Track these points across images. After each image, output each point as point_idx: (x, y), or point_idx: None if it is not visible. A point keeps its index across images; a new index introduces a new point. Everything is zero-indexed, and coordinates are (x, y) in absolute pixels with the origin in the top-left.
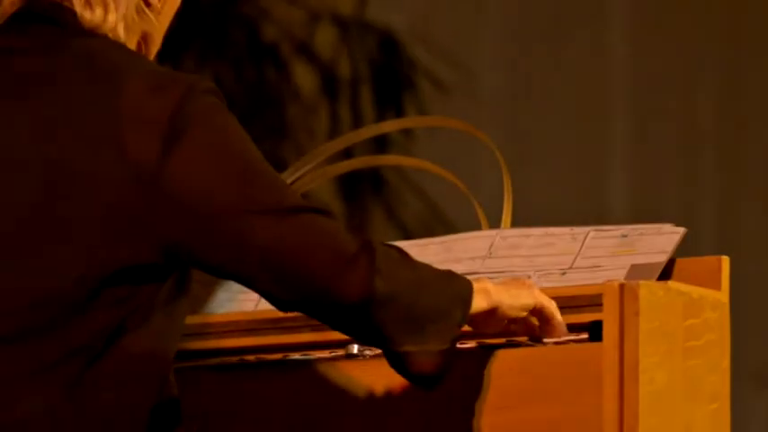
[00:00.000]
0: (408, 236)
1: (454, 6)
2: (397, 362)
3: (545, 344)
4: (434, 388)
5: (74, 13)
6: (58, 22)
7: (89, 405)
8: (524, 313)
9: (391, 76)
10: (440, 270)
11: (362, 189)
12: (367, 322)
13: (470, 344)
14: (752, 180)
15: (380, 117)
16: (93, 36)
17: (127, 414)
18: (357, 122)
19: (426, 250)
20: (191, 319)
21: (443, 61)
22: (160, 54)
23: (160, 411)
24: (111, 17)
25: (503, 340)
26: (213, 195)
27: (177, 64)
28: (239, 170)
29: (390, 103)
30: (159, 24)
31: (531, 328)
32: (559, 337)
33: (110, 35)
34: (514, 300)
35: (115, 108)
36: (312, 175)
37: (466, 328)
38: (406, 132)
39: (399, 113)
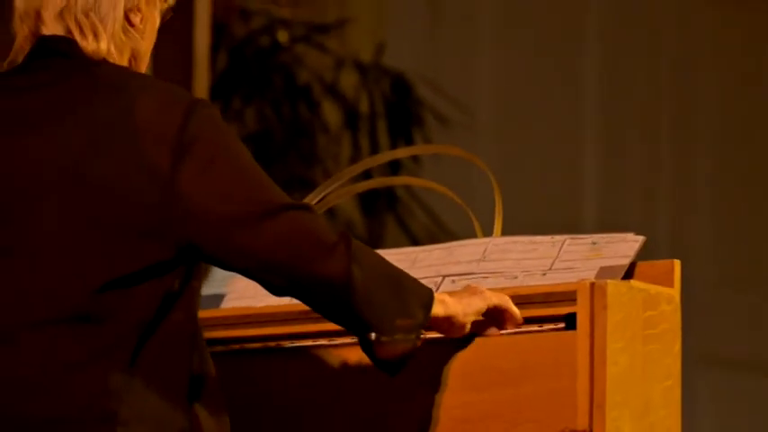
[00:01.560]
0: (416, 242)
1: (454, 55)
2: (368, 348)
3: (502, 334)
4: (396, 374)
5: (77, 44)
6: (67, 54)
7: (145, 375)
8: (479, 317)
9: (403, 112)
10: (405, 272)
11: (379, 205)
12: (344, 306)
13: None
14: (700, 198)
15: (393, 145)
16: (97, 62)
17: (171, 381)
18: (374, 150)
19: (431, 254)
20: (230, 311)
21: (445, 100)
22: (213, 94)
23: (198, 382)
24: (103, 41)
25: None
26: (215, 206)
27: (227, 103)
28: (237, 178)
29: (402, 134)
30: (144, 42)
31: (487, 327)
32: (515, 326)
33: (109, 59)
34: (468, 307)
35: (131, 125)
36: (337, 192)
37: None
38: (415, 158)
39: (409, 142)
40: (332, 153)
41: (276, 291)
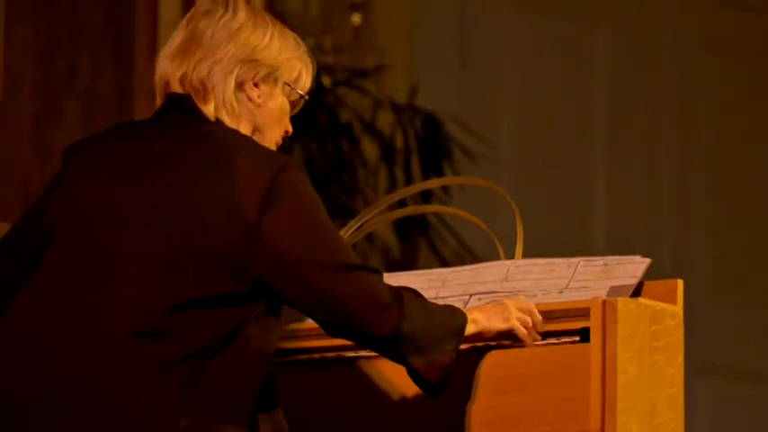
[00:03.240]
0: (446, 264)
1: (480, 97)
2: (413, 374)
3: (517, 345)
4: (438, 394)
5: (196, 104)
6: (188, 111)
7: (201, 397)
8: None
9: (434, 148)
10: (444, 307)
11: (412, 230)
12: (394, 349)
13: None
14: (698, 221)
15: (425, 177)
16: (211, 121)
17: (234, 401)
18: (408, 181)
19: (460, 275)
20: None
21: (472, 136)
22: None
23: (263, 399)
24: (211, 104)
25: (494, 343)
26: (293, 250)
27: None
28: (313, 233)
29: (433, 167)
30: (262, 117)
31: (511, 339)
32: (529, 345)
33: (222, 120)
34: (491, 326)
35: (231, 177)
36: (375, 219)
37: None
38: (445, 188)
39: (439, 174)
40: (370, 184)
41: (332, 332)
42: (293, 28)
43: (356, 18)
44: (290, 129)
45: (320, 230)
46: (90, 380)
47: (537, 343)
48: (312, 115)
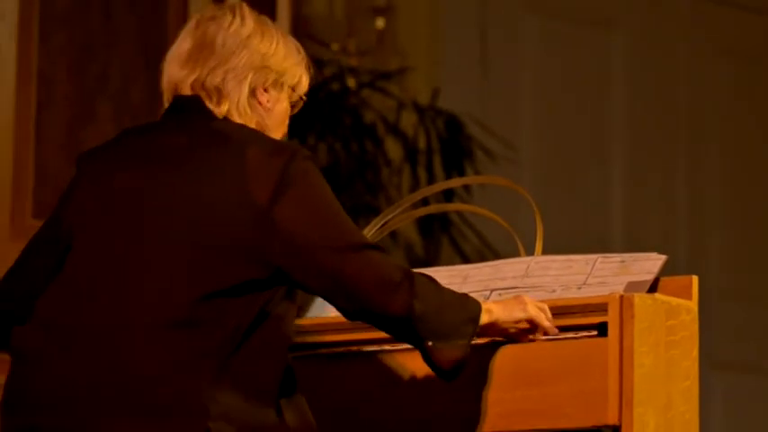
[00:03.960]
0: (467, 261)
1: (500, 99)
2: (428, 359)
3: (533, 340)
4: (454, 379)
5: (204, 103)
6: (196, 110)
7: (236, 378)
8: (518, 323)
9: (455, 148)
10: (458, 293)
11: (435, 228)
12: (407, 330)
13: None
14: (712, 219)
15: (447, 176)
16: (219, 118)
17: (261, 386)
18: (431, 180)
19: (481, 271)
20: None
21: (493, 137)
22: (290, 132)
23: (285, 386)
24: (224, 105)
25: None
26: (304, 235)
27: (303, 140)
28: (324, 217)
29: (454, 167)
30: (270, 120)
31: (521, 333)
32: (552, 335)
33: (230, 118)
34: (508, 315)
35: (241, 168)
36: (399, 217)
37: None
38: (466, 187)
39: (461, 174)
40: (394, 183)
41: (349, 315)
42: (318, 31)
43: (380, 22)
44: (286, 130)
45: (331, 216)
46: (120, 371)
47: (555, 337)
48: (337, 116)
